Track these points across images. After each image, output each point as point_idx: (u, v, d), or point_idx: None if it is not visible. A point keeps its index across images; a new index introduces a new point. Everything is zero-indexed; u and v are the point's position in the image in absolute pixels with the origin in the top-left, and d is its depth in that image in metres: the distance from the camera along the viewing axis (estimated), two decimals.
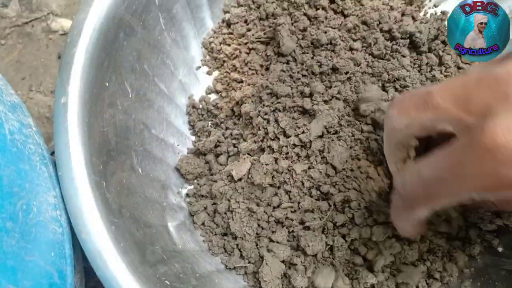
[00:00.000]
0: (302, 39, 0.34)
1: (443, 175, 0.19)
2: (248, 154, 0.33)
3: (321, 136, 0.31)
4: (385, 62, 0.33)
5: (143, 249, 0.27)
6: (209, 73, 0.39)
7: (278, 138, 0.32)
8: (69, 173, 0.25)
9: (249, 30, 0.38)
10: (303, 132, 0.31)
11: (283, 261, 0.31)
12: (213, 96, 0.38)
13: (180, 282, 0.28)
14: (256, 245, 0.31)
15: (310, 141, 0.31)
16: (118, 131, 0.30)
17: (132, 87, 0.32)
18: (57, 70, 0.44)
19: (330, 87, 0.32)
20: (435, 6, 0.37)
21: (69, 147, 0.25)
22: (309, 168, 0.31)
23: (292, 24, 0.35)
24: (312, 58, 0.33)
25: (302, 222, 0.31)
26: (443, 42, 0.34)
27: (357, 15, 0.35)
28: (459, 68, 0.34)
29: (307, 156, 0.31)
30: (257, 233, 0.32)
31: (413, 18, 0.35)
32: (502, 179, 0.17)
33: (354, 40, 0.34)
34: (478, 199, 0.19)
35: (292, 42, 0.34)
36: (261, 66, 0.37)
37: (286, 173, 0.31)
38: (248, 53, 0.37)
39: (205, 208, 0.33)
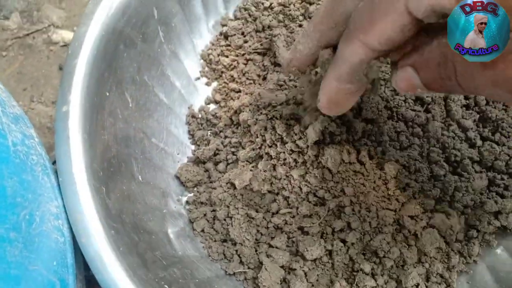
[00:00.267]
0: None
1: None
2: (247, 161, 0.33)
3: (318, 141, 0.32)
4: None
5: (143, 254, 0.27)
6: (208, 83, 0.39)
7: (276, 145, 0.32)
8: (70, 178, 0.25)
9: (246, 41, 0.39)
10: (300, 138, 0.31)
11: (282, 267, 0.31)
12: (212, 106, 0.39)
13: (179, 287, 0.28)
14: (255, 250, 0.32)
15: (307, 146, 0.31)
16: (119, 140, 0.30)
17: (132, 97, 0.32)
18: (58, 81, 0.45)
19: None
20: None
21: (70, 153, 0.26)
22: (306, 173, 0.31)
23: (287, 36, 0.36)
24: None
25: (300, 228, 0.31)
26: None
27: None
28: None
29: (304, 162, 0.32)
30: (256, 239, 0.32)
31: None
32: None
33: None
34: (419, 15, 0.17)
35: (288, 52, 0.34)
36: (258, 76, 0.37)
37: (284, 179, 0.31)
38: (245, 64, 0.38)
39: (205, 215, 0.34)
